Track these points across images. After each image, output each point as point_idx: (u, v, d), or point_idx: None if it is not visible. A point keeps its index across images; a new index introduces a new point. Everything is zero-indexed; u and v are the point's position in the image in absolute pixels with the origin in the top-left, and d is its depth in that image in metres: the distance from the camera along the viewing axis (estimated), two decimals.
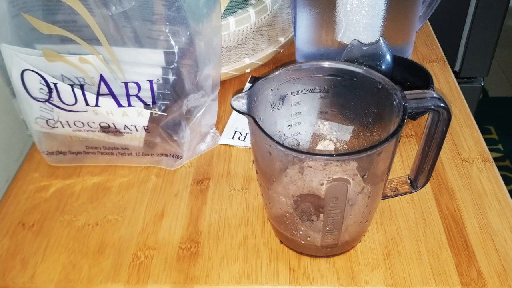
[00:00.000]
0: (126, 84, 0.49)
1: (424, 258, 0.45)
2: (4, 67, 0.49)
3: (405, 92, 0.39)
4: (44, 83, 0.48)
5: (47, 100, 0.49)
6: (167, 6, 0.46)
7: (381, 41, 0.56)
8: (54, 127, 0.52)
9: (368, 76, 0.42)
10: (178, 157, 0.55)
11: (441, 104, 0.39)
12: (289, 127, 0.47)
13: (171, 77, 0.49)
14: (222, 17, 0.59)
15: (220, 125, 0.61)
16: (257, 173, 0.45)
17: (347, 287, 0.44)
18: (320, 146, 0.50)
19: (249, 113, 0.39)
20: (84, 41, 0.47)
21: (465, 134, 0.59)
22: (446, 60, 0.72)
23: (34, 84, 0.48)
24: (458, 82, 0.67)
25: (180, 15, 0.47)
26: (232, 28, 0.60)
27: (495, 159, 1.46)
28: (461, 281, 0.44)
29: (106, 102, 0.49)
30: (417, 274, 0.44)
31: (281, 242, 0.47)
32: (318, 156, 0.37)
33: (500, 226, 0.48)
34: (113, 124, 0.51)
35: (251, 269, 0.45)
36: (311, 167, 0.38)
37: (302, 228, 0.44)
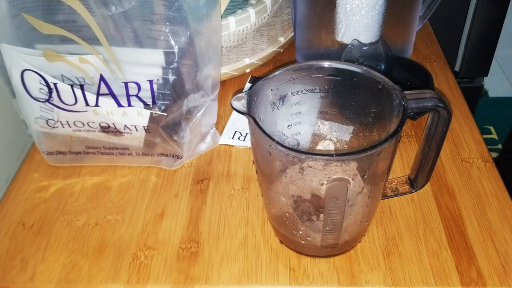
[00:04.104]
0: (126, 84, 0.49)
1: (424, 258, 0.45)
2: (4, 67, 0.49)
3: (405, 92, 0.39)
4: (44, 83, 0.48)
5: (47, 100, 0.49)
6: (167, 6, 0.46)
7: (381, 41, 0.56)
8: (54, 127, 0.52)
9: (368, 76, 0.42)
10: (178, 157, 0.55)
11: (441, 104, 0.39)
12: (289, 127, 0.47)
13: (171, 77, 0.49)
14: (222, 17, 0.59)
15: (220, 125, 0.61)
16: (257, 173, 0.45)
17: (347, 287, 0.44)
18: (320, 146, 0.50)
19: (249, 113, 0.39)
20: (84, 41, 0.47)
21: (465, 134, 0.59)
22: (446, 60, 0.72)
23: (34, 84, 0.48)
24: (458, 82, 0.67)
25: (180, 15, 0.47)
26: (232, 28, 0.60)
27: (495, 159, 1.45)
28: (461, 281, 0.44)
29: (106, 102, 0.49)
30: (417, 274, 0.44)
31: (281, 242, 0.47)
32: (318, 156, 0.37)
33: (500, 226, 0.48)
34: (113, 124, 0.51)
35: (251, 269, 0.45)
36: (311, 167, 0.38)
37: (302, 228, 0.44)
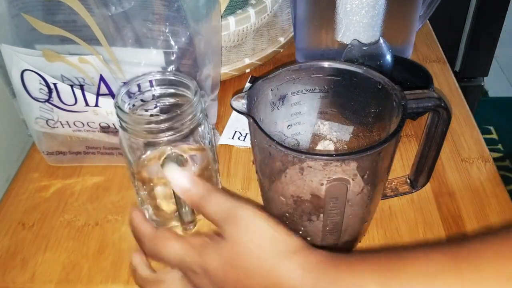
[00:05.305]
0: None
1: None
2: (4, 67, 0.49)
3: (405, 92, 0.39)
4: (44, 83, 0.48)
5: (47, 100, 0.49)
6: (167, 6, 0.46)
7: (381, 41, 0.56)
8: (54, 127, 0.52)
9: (368, 76, 0.42)
10: None
11: (441, 104, 0.39)
12: (289, 127, 0.47)
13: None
14: (222, 17, 0.59)
15: (220, 125, 0.61)
16: (257, 173, 0.45)
17: None
18: (320, 146, 0.50)
19: (249, 113, 0.39)
20: (83, 41, 0.47)
21: (465, 134, 0.59)
22: (446, 60, 0.71)
23: (34, 84, 0.48)
24: (458, 82, 0.67)
25: (180, 15, 0.47)
26: (232, 28, 0.60)
27: (495, 159, 1.45)
28: None
29: (106, 102, 0.49)
30: None
31: None
32: (318, 156, 0.37)
33: (500, 226, 0.48)
34: (113, 124, 0.51)
35: None
36: (311, 167, 0.38)
37: (302, 228, 0.44)
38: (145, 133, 0.42)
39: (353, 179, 0.39)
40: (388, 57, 0.56)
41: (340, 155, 0.41)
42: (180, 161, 0.44)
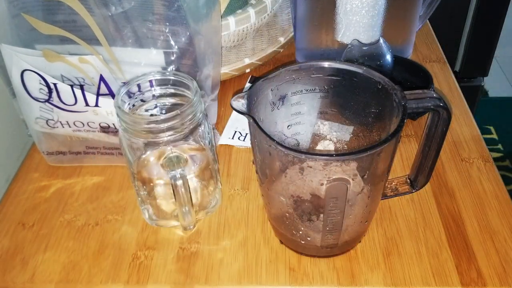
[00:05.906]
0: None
1: (424, 258, 0.45)
2: (4, 67, 0.49)
3: (405, 92, 0.39)
4: (44, 83, 0.48)
5: (47, 100, 0.49)
6: (167, 6, 0.46)
7: (381, 41, 0.56)
8: (54, 127, 0.52)
9: (368, 76, 0.42)
10: None
11: (441, 104, 0.39)
12: (289, 127, 0.47)
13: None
14: (222, 17, 0.59)
15: (220, 125, 0.61)
16: (257, 173, 0.45)
17: (347, 287, 0.44)
18: (320, 146, 0.50)
19: (249, 113, 0.39)
20: (83, 41, 0.47)
21: (465, 134, 0.59)
22: (446, 60, 0.71)
23: (34, 84, 0.48)
24: (458, 82, 0.67)
25: (180, 15, 0.47)
26: (232, 28, 0.60)
27: (495, 159, 1.46)
28: (461, 281, 0.44)
29: (106, 102, 0.49)
30: (417, 274, 0.44)
31: (281, 242, 0.47)
32: (318, 156, 0.37)
33: (500, 226, 0.48)
34: (113, 124, 0.51)
35: (251, 269, 0.45)
36: (311, 167, 0.38)
37: (302, 228, 0.44)
38: (145, 133, 0.42)
39: (353, 179, 0.39)
40: (388, 57, 0.56)
41: (340, 155, 0.41)
42: (180, 161, 0.44)
